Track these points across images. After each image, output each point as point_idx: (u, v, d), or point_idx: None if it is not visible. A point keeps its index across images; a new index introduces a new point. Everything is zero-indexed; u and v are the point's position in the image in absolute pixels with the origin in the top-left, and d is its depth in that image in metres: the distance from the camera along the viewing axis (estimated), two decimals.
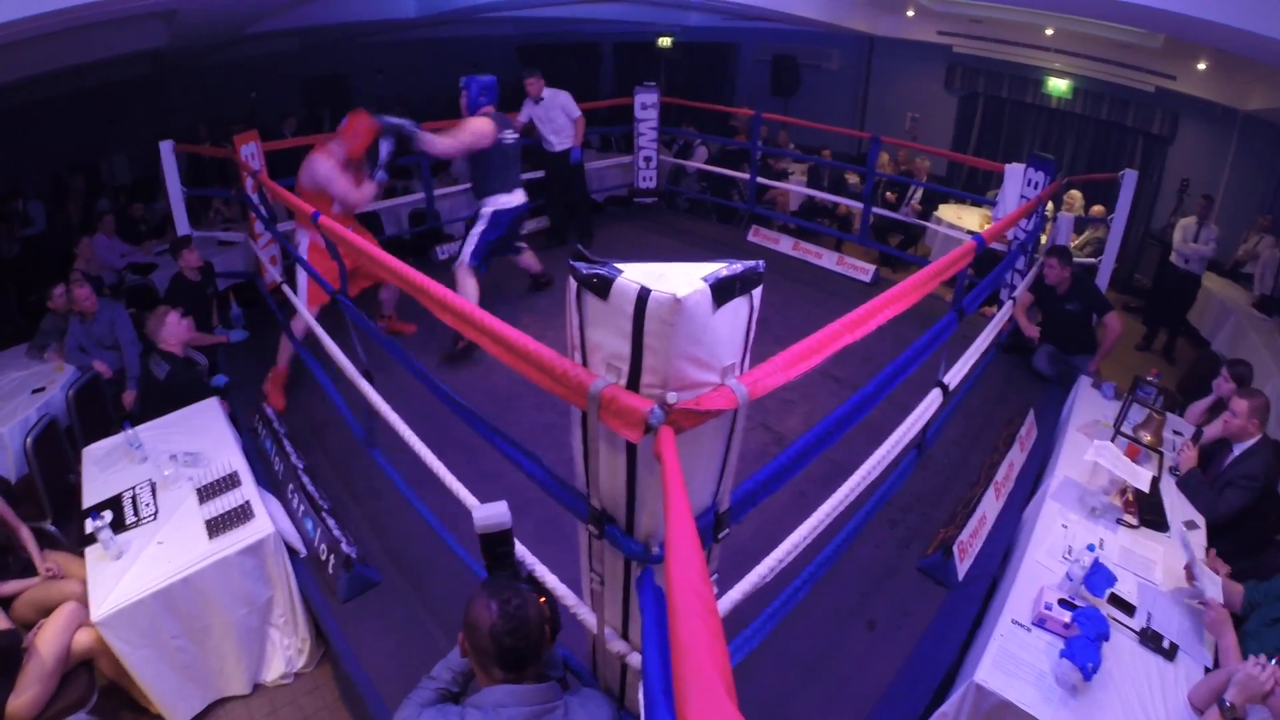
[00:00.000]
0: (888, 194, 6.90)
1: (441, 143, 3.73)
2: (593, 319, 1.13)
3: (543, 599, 1.38)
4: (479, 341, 1.48)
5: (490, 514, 1.38)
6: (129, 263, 5.34)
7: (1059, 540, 2.55)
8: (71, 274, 4.10)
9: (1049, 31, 6.72)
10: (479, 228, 4.08)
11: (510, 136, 3.99)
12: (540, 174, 5.90)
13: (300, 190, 3.64)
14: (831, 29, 7.92)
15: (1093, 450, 2.81)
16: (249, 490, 2.69)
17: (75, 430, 3.38)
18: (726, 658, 0.68)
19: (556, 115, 5.42)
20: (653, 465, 1.12)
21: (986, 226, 5.69)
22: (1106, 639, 2.02)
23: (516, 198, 4.13)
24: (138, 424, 3.11)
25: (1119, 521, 2.68)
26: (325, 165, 3.57)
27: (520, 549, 1.76)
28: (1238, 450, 2.86)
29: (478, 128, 3.79)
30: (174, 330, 3.38)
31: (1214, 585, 2.24)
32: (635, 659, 1.47)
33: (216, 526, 2.50)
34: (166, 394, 3.34)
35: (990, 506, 2.92)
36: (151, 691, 2.35)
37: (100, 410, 3.60)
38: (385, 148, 3.59)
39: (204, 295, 4.28)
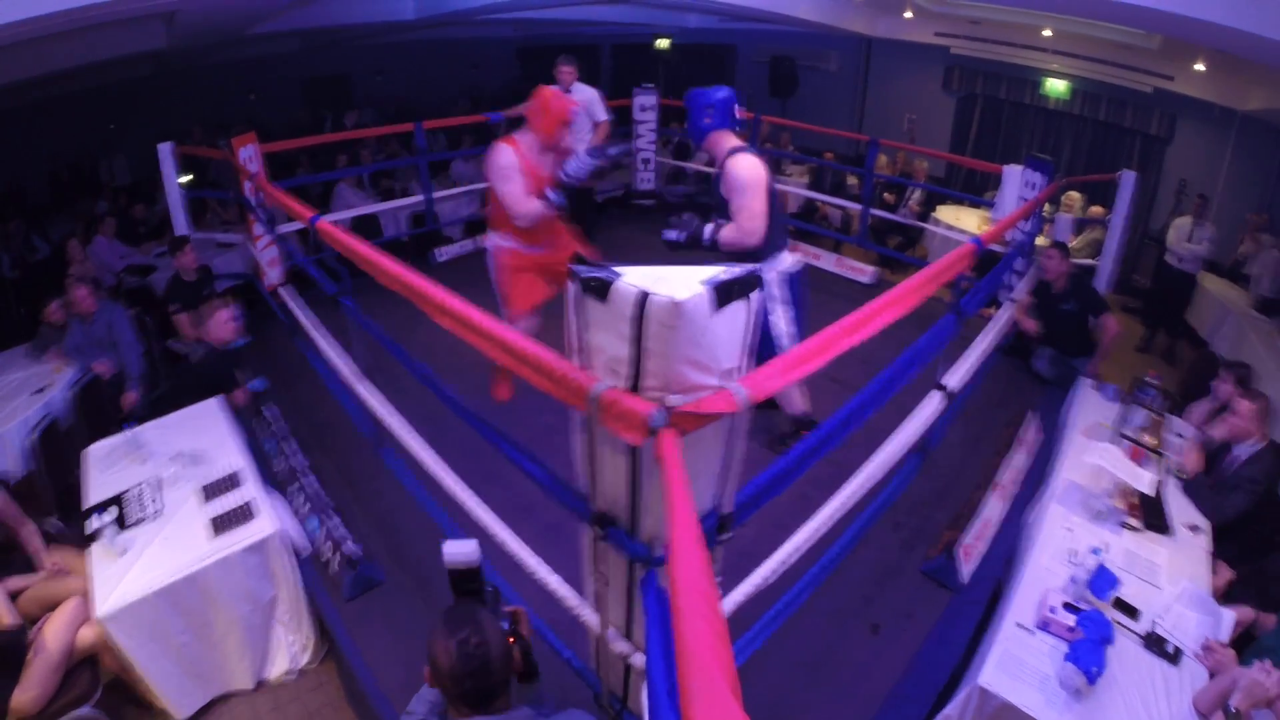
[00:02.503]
0: (886, 195, 6.91)
1: (728, 233, 2.81)
2: (593, 322, 1.13)
3: (512, 639, 1.32)
4: (479, 345, 1.48)
5: (459, 550, 1.34)
6: (127, 265, 5.33)
7: (1063, 543, 2.54)
8: (66, 278, 4.09)
9: (1047, 32, 6.73)
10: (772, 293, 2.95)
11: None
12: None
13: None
14: (829, 30, 7.92)
15: (1095, 453, 2.81)
16: (252, 489, 2.69)
17: (77, 430, 3.37)
18: (731, 659, 0.68)
19: (579, 115, 4.89)
20: (654, 468, 1.11)
21: (985, 228, 5.71)
22: (1111, 642, 2.02)
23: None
24: (161, 408, 3.15)
25: (1122, 524, 2.67)
26: (503, 158, 3.04)
27: (523, 551, 1.76)
28: (1240, 452, 2.85)
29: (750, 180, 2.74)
30: (220, 325, 3.44)
31: (1225, 621, 2.23)
32: (639, 660, 1.47)
33: (219, 525, 2.50)
34: (199, 379, 3.38)
35: (993, 509, 2.92)
36: (156, 687, 2.36)
37: (101, 411, 3.60)
38: (614, 150, 3.08)
39: (200, 296, 4.28)
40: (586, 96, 4.97)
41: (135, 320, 4.13)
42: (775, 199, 2.87)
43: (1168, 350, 5.76)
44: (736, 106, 2.83)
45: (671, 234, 2.88)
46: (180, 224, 4.49)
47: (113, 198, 6.94)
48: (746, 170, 2.73)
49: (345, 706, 2.54)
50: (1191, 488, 2.89)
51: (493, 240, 3.37)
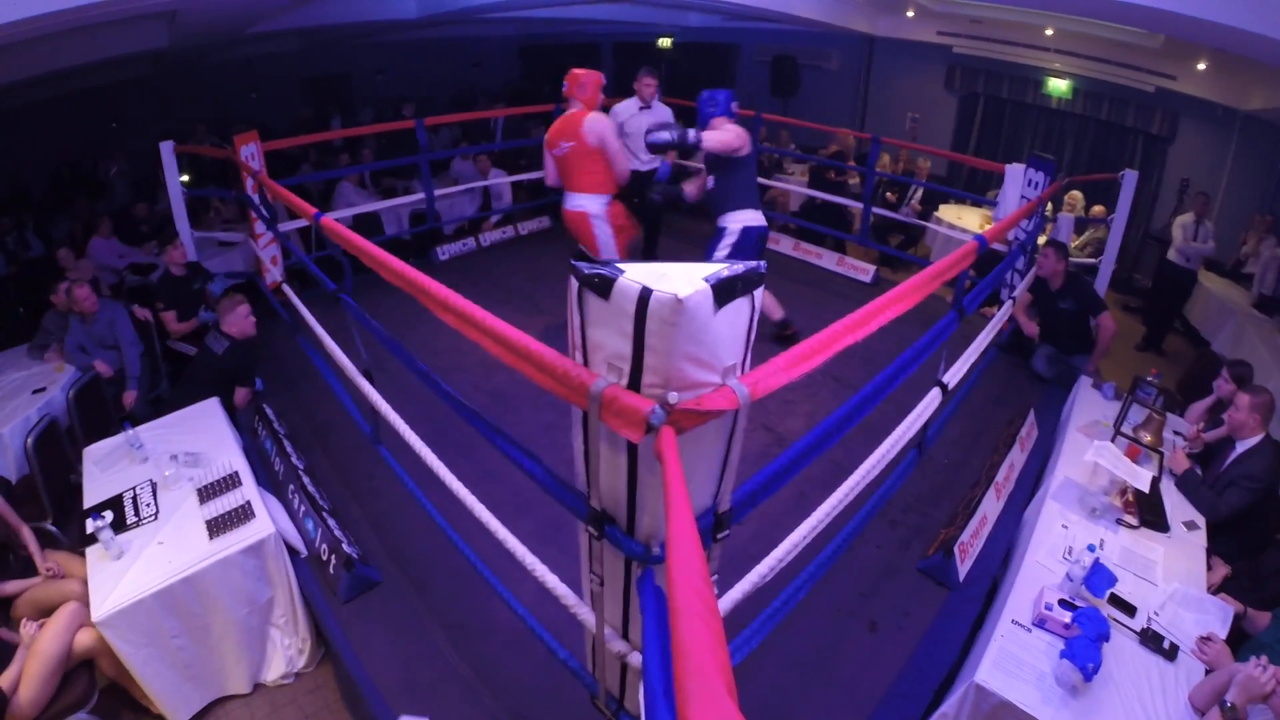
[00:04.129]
0: (888, 194, 6.90)
1: (711, 136, 3.52)
2: (594, 319, 1.13)
3: None
4: (480, 342, 1.48)
5: None
6: (129, 263, 5.34)
7: (1059, 540, 2.55)
8: (65, 281, 4.09)
9: (1049, 32, 6.72)
10: (725, 243, 3.77)
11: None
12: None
13: (583, 151, 3.66)
14: (831, 29, 7.92)
15: (1093, 450, 2.81)
16: (249, 490, 2.69)
17: (76, 431, 3.38)
18: (728, 658, 0.68)
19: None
20: (653, 465, 1.11)
21: (987, 226, 5.71)
22: (1107, 639, 2.02)
23: (761, 217, 3.85)
24: (173, 401, 3.19)
25: (1119, 522, 2.68)
26: (604, 123, 3.64)
27: (521, 549, 1.76)
28: (1240, 449, 2.85)
29: (737, 131, 3.55)
30: (241, 318, 3.48)
31: (1222, 616, 2.22)
32: (636, 659, 1.47)
33: (217, 526, 2.50)
34: (221, 371, 3.41)
35: (991, 507, 2.92)
36: (152, 691, 2.35)
37: (101, 411, 3.60)
38: (664, 168, 3.51)
39: (190, 290, 4.29)
40: (668, 115, 4.92)
41: (142, 319, 4.14)
42: (753, 164, 3.81)
43: (1151, 339, 5.78)
44: (734, 104, 3.77)
45: (663, 134, 3.33)
46: (183, 223, 4.50)
47: (113, 196, 6.95)
48: (731, 126, 3.64)
49: (342, 710, 2.54)
50: (1185, 484, 2.90)
51: (596, 204, 3.80)
